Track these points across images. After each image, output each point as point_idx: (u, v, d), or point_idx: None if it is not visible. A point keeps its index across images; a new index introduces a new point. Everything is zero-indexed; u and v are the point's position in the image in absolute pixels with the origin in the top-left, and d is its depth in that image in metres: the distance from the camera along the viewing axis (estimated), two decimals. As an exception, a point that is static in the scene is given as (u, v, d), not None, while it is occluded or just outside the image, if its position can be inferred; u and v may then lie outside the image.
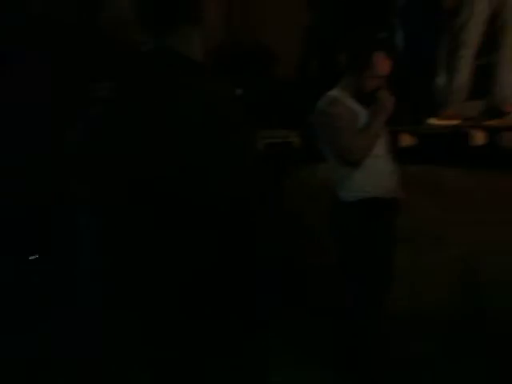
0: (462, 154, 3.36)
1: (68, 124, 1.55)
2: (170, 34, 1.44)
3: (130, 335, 1.42)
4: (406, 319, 3.14)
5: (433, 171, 3.47)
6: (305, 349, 3.11)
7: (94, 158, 1.46)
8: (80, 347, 1.63)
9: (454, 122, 3.57)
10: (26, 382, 2.66)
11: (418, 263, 3.30)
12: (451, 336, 3.13)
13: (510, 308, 3.08)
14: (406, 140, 3.55)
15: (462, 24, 3.59)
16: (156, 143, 1.35)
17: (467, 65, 3.63)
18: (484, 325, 3.17)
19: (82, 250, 1.50)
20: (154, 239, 1.37)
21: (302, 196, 4.09)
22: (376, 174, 2.61)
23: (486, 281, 3.25)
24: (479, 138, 3.30)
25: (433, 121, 3.65)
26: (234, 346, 1.43)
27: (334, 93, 2.67)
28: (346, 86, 2.68)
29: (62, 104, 2.80)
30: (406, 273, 2.96)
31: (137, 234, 1.38)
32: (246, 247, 1.40)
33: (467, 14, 3.54)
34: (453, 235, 3.32)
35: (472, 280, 3.30)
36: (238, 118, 1.43)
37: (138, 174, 1.37)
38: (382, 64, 2.60)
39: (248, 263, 1.41)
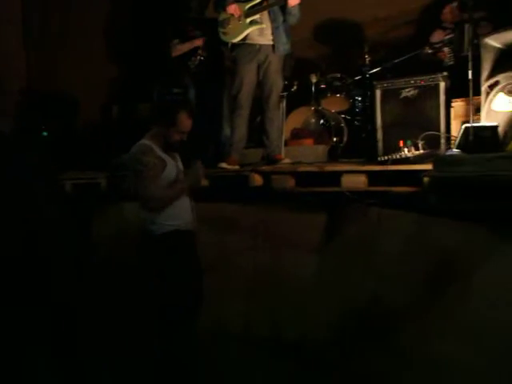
0: (243, 192, 4.00)
1: None
2: None
3: None
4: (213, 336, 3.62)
5: (221, 207, 4.05)
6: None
7: None
8: None
9: (237, 167, 4.31)
10: None
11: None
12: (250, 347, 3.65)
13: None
14: (200, 181, 4.14)
15: (236, 90, 4.34)
16: None
17: (243, 122, 4.39)
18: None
19: None
20: None
21: (110, 234, 4.39)
22: (178, 210, 3.05)
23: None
24: (257, 180, 3.98)
25: (222, 165, 4.32)
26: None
27: (146, 142, 3.04)
28: (154, 137, 3.06)
29: None
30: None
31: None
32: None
33: (239, 82, 4.31)
34: (239, 259, 3.98)
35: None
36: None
37: None
38: (185, 122, 3.05)
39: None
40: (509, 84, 2.93)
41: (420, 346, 2.69)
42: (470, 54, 3.24)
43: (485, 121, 3.06)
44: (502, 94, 2.98)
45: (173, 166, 3.08)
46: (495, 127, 2.86)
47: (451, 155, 2.87)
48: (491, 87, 3.03)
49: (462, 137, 2.94)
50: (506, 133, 2.91)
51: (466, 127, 2.94)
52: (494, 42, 3.09)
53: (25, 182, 1.80)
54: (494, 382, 2.32)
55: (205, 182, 4.04)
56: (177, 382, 3.04)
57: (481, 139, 2.79)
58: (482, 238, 2.57)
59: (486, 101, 3.07)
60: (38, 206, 1.83)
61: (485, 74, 3.13)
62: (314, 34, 5.90)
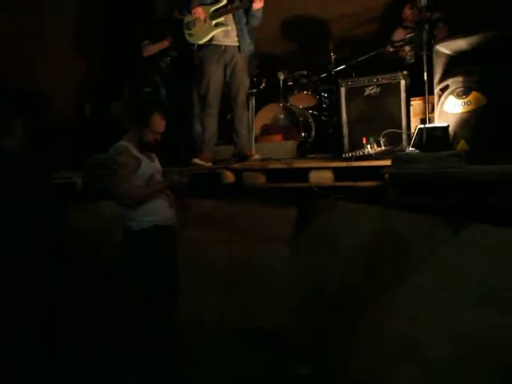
0: (216, 189, 4.17)
1: None
2: None
3: None
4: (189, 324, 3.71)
5: (194, 203, 4.22)
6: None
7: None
8: None
9: (209, 164, 4.46)
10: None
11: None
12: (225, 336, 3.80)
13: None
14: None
15: (205, 90, 4.50)
16: None
17: (213, 121, 4.55)
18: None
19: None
20: None
21: (87, 231, 4.49)
22: (157, 207, 3.20)
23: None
24: (229, 177, 4.14)
25: (195, 161, 4.48)
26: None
27: (123, 143, 3.20)
28: (131, 138, 3.22)
29: None
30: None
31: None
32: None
33: (206, 83, 4.47)
34: (213, 253, 4.16)
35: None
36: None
37: None
38: (159, 123, 3.21)
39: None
40: (458, 88, 3.17)
41: (383, 328, 2.91)
42: (425, 57, 3.47)
43: (437, 121, 3.30)
44: (452, 97, 3.22)
45: (148, 165, 3.23)
46: (446, 128, 3.10)
47: (407, 153, 3.10)
48: (442, 90, 3.27)
49: (416, 136, 3.18)
50: (455, 132, 3.15)
51: (420, 128, 3.17)
52: (444, 48, 3.33)
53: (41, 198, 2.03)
54: (454, 363, 2.47)
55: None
56: (154, 371, 3.18)
57: (433, 139, 3.03)
58: (436, 229, 2.79)
59: (438, 102, 3.30)
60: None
61: (437, 77, 3.37)
62: (280, 31, 6.08)
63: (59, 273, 2.56)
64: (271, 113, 5.37)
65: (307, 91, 5.47)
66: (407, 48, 4.89)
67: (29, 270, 2.09)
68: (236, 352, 3.62)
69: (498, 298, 2.29)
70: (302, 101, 5.49)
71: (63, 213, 3.42)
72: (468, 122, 3.17)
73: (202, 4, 4.42)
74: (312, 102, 5.53)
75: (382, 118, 4.03)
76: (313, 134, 5.28)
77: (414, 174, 2.84)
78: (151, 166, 3.29)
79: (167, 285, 3.20)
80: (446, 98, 3.24)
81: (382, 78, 4.12)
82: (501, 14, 4.00)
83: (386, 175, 3.12)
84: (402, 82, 4.01)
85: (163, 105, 4.69)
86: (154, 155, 3.37)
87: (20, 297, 2.10)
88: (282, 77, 5.40)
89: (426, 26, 3.84)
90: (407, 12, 4.98)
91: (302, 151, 4.98)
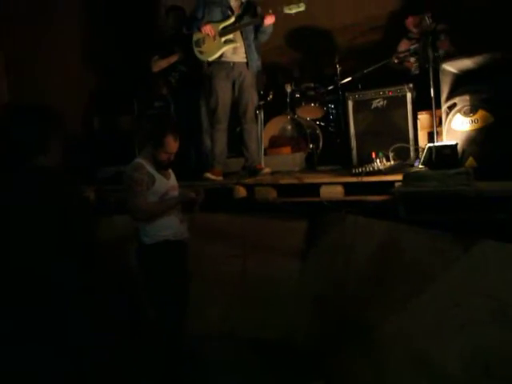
0: (229, 203, 4.25)
1: None
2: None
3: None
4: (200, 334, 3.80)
5: (207, 217, 4.22)
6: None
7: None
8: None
9: (220, 179, 4.55)
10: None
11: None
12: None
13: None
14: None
15: (214, 106, 4.60)
16: None
17: (223, 136, 4.65)
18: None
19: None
20: None
21: (102, 245, 4.57)
22: (168, 222, 3.31)
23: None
24: (241, 192, 4.23)
25: (207, 175, 4.56)
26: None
27: (139, 160, 3.32)
28: (146, 155, 3.34)
29: None
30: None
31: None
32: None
33: (215, 99, 4.58)
34: (226, 267, 4.24)
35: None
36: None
37: None
38: (172, 144, 3.31)
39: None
40: (465, 106, 3.25)
41: (394, 342, 2.98)
42: (431, 72, 3.54)
43: (446, 138, 3.38)
44: (459, 115, 3.30)
45: (162, 182, 3.36)
46: (455, 146, 3.18)
47: (416, 172, 3.18)
48: (450, 108, 3.35)
49: (426, 155, 3.25)
50: (464, 150, 3.23)
51: (430, 147, 3.25)
52: (451, 67, 3.42)
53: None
54: (465, 379, 2.53)
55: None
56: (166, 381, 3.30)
57: (442, 157, 3.12)
58: (447, 246, 2.86)
59: (446, 120, 3.38)
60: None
61: (444, 95, 3.45)
62: (286, 42, 6.16)
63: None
64: (279, 125, 5.44)
65: (314, 103, 5.53)
66: (412, 59, 4.94)
67: (64, 275, 2.23)
68: (246, 363, 3.66)
69: (509, 314, 2.36)
70: (309, 113, 5.56)
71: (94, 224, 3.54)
72: (476, 139, 3.26)
73: (210, 21, 4.51)
74: (319, 114, 5.59)
75: (389, 131, 4.09)
76: (321, 145, 5.35)
77: (424, 191, 2.91)
78: (165, 183, 3.40)
79: (175, 298, 3.31)
80: (453, 115, 3.32)
81: (389, 91, 4.20)
82: (504, 30, 4.07)
83: (396, 193, 3.19)
84: (408, 95, 4.08)
85: (176, 126, 4.78)
86: (170, 172, 3.50)
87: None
88: (289, 89, 5.46)
89: (430, 38, 3.91)
90: (409, 22, 5.03)
91: (311, 163, 5.05)
